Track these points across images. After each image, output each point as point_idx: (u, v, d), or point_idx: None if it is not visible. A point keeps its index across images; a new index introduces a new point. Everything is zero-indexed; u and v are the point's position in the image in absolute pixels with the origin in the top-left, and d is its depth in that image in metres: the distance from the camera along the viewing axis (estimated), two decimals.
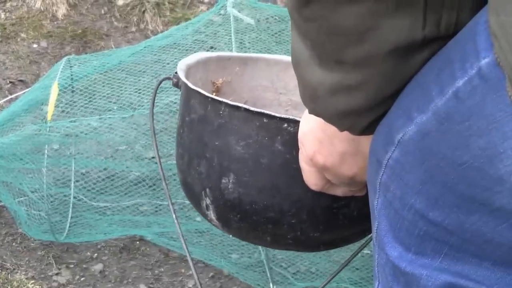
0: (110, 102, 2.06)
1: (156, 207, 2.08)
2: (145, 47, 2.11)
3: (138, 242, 1.99)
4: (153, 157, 2.10)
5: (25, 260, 1.89)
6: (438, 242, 0.66)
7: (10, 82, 2.34)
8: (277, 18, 2.21)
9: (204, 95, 0.85)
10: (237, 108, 0.81)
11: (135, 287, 1.85)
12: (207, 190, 0.87)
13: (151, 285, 1.86)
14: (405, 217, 0.65)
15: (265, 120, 0.80)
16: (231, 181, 0.84)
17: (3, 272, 1.79)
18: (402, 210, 0.64)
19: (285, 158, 0.78)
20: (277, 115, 0.79)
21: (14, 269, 1.79)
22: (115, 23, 2.66)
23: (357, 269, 1.95)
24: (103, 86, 2.06)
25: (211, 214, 0.88)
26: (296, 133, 0.74)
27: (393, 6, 0.47)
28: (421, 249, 0.67)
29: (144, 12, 2.64)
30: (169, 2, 2.70)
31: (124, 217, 2.07)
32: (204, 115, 0.88)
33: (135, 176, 2.11)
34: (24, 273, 1.79)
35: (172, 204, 1.20)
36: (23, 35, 2.57)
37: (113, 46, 2.56)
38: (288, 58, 0.84)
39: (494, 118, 0.48)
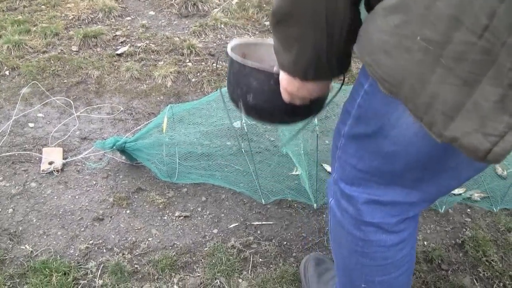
0: (189, 124, 3.49)
1: (218, 170, 3.27)
2: (206, 99, 3.25)
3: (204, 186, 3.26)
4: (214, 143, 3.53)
5: (158, 185, 3.15)
6: (360, 178, 1.35)
7: (148, 113, 3.61)
8: None
9: (237, 59, 1.51)
10: (251, 66, 1.45)
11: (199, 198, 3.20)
12: (240, 100, 1.54)
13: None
14: (346, 168, 1.38)
15: (264, 72, 1.43)
16: (251, 97, 1.51)
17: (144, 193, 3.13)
18: (345, 165, 1.37)
19: (274, 88, 1.37)
20: (269, 70, 1.42)
21: (151, 190, 3.12)
22: (192, 88, 3.98)
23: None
24: (189, 116, 3.32)
25: (243, 111, 1.57)
26: (278, 77, 1.31)
27: None
28: (353, 183, 1.37)
29: (203, 84, 3.94)
30: (213, 79, 4.01)
31: (203, 172, 3.14)
32: (238, 69, 1.51)
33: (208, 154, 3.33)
34: (155, 193, 3.16)
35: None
36: (153, 94, 3.94)
37: (191, 99, 3.73)
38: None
39: (381, 102, 1.11)
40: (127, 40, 4.65)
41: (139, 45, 4.53)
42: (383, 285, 1.47)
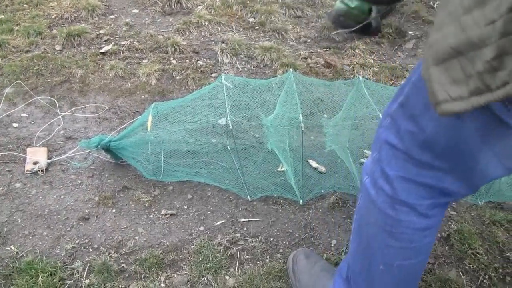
0: (174, 122, 3.39)
1: (203, 167, 3.23)
2: (191, 97, 3.15)
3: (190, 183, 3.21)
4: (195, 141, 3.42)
5: (144, 183, 3.16)
6: (399, 158, 1.44)
7: (132, 112, 3.60)
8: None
9: None
10: None
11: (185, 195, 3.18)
12: None
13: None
14: (386, 147, 1.50)
15: None
16: None
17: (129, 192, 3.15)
18: (386, 144, 1.47)
19: None
20: None
21: (136, 189, 3.06)
22: (176, 86, 3.98)
23: None
24: (174, 114, 3.26)
25: None
26: None
27: None
28: (392, 162, 1.45)
29: (187, 81, 3.92)
30: (197, 77, 4.01)
31: (188, 169, 3.13)
32: None
33: (192, 151, 3.30)
34: (141, 191, 3.08)
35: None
36: (138, 92, 3.93)
37: (176, 97, 3.74)
38: None
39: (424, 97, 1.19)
40: (111, 38, 4.65)
41: (123, 43, 4.52)
42: (400, 270, 1.54)
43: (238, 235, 2.86)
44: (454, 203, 3.26)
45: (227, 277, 2.63)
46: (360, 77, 3.13)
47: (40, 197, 3.01)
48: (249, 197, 3.06)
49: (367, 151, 3.42)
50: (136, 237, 2.82)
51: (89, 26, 4.77)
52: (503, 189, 3.31)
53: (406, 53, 4.92)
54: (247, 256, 2.76)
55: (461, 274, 2.78)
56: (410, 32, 5.17)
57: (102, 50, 4.42)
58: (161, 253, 2.73)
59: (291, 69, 3.23)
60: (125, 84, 4.11)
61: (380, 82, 4.29)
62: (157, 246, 2.78)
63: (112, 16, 5.04)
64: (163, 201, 3.02)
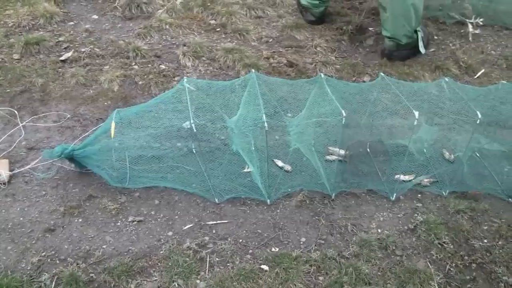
0: (138, 128, 3.27)
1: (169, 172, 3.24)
2: (154, 102, 3.20)
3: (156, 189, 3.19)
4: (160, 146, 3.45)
5: (110, 191, 3.12)
6: None
7: (95, 119, 3.61)
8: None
9: None
10: None
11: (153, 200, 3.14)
12: None
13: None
14: None
15: None
16: None
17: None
18: None
19: None
20: None
21: (102, 197, 3.08)
22: (139, 91, 4.00)
23: None
24: (138, 119, 3.21)
25: None
26: None
27: None
28: None
29: (150, 86, 4.00)
30: (160, 81, 4.06)
31: (154, 175, 3.16)
32: None
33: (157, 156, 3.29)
34: (107, 199, 3.05)
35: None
36: (101, 99, 3.91)
37: (139, 102, 3.74)
38: None
39: None
40: (71, 45, 4.61)
41: (83, 50, 4.48)
42: None
43: (207, 238, 2.86)
44: (419, 195, 3.30)
45: (198, 281, 2.63)
46: (322, 75, 3.16)
47: (3, 211, 2.96)
48: (216, 200, 3.06)
49: (332, 148, 3.44)
50: (104, 246, 2.80)
51: (47, 34, 4.71)
52: (466, 179, 3.38)
53: (367, 49, 4.98)
54: (217, 259, 2.77)
55: (429, 264, 2.83)
56: (370, 29, 5.22)
57: (62, 58, 4.37)
58: (130, 261, 2.72)
59: (253, 70, 3.24)
60: (87, 91, 4.06)
61: (342, 79, 4.33)
62: (125, 253, 2.76)
63: (71, 23, 4.99)
64: (130, 208, 3.01)
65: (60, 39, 4.65)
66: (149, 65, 4.35)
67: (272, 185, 3.13)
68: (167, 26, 4.92)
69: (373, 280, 2.70)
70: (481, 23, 5.37)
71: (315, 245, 2.88)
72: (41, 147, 3.45)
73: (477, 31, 5.30)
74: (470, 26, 5.28)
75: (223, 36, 4.89)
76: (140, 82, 4.16)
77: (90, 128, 3.61)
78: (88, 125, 3.65)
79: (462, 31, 5.41)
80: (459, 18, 5.53)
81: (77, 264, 2.67)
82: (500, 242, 3.01)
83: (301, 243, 2.89)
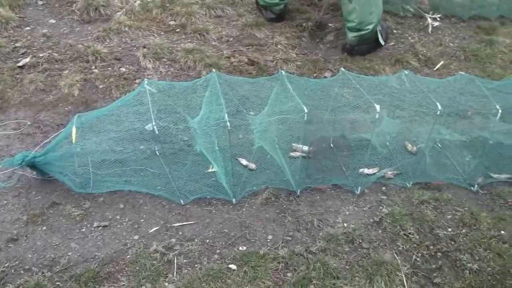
0: (100, 132, 3.23)
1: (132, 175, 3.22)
2: (115, 105, 3.16)
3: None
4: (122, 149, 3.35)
5: (73, 197, 3.07)
6: None
7: (56, 125, 3.57)
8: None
9: None
10: None
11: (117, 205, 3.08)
12: None
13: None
14: None
15: None
16: None
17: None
18: None
19: None
20: None
21: (66, 203, 3.02)
22: (100, 95, 3.95)
23: None
24: (99, 123, 3.18)
25: None
26: None
27: None
28: None
29: (111, 89, 3.97)
30: (121, 84, 4.04)
31: (118, 179, 3.13)
32: None
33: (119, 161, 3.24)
34: (71, 205, 3.02)
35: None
36: (61, 105, 3.84)
37: (100, 106, 3.73)
38: None
39: None
40: (29, 51, 4.53)
41: (41, 55, 4.42)
42: None
43: (173, 240, 2.85)
44: (384, 188, 3.34)
45: (166, 284, 2.62)
46: (283, 72, 3.17)
47: None
48: (181, 201, 3.05)
49: (296, 144, 3.46)
50: (70, 253, 2.76)
51: (3, 40, 4.63)
52: (428, 170, 3.43)
53: (328, 45, 5.01)
54: (185, 260, 2.76)
55: (396, 255, 2.87)
56: (330, 25, 5.26)
57: (20, 64, 4.30)
58: (96, 267, 2.69)
59: (214, 69, 3.24)
60: (47, 97, 3.99)
61: (303, 75, 4.36)
62: (92, 260, 2.73)
63: (28, 28, 4.91)
64: (95, 213, 2.97)
65: (17, 44, 4.57)
66: (109, 68, 4.31)
67: (237, 184, 3.13)
68: (126, 28, 4.88)
69: (341, 274, 2.72)
70: (438, 18, 5.46)
71: (282, 242, 2.88)
72: (1, 156, 3.38)
73: (436, 24, 5.37)
74: (429, 19, 5.36)
75: (183, 36, 4.86)
76: (101, 86, 4.10)
77: (51, 134, 3.55)
78: (49, 131, 3.59)
79: (420, 23, 5.48)
80: (414, 11, 5.60)
81: (42, 273, 2.63)
82: (464, 230, 3.06)
83: (268, 240, 2.89)
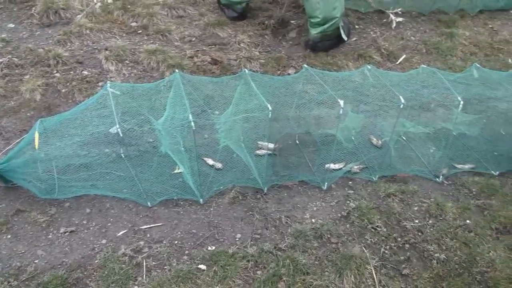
0: (64, 136, 3.21)
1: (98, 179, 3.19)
2: (78, 109, 3.12)
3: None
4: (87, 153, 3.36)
5: (39, 204, 3.02)
6: None
7: (19, 131, 3.52)
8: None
9: None
10: None
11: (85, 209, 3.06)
12: None
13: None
14: None
15: None
16: None
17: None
18: None
19: None
20: None
21: (31, 210, 2.96)
22: (63, 99, 3.92)
23: None
24: (63, 128, 3.14)
25: None
26: None
27: None
28: None
29: (74, 93, 3.93)
30: (83, 88, 4.00)
31: (84, 183, 3.12)
32: None
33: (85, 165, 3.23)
34: (36, 212, 2.97)
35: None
36: (23, 110, 3.78)
37: (63, 110, 3.68)
38: None
39: None
40: None
41: (1, 60, 4.36)
42: None
43: (142, 242, 2.83)
44: (350, 182, 3.37)
45: (136, 287, 2.61)
46: (246, 70, 3.17)
47: None
48: (149, 203, 3.04)
49: (261, 142, 3.47)
50: (36, 261, 2.73)
51: None
52: (394, 163, 3.47)
53: (290, 42, 5.04)
54: (154, 263, 2.74)
55: (364, 249, 2.90)
56: (292, 22, 5.29)
57: None
58: (64, 273, 2.66)
59: (177, 70, 3.22)
60: (8, 103, 3.92)
61: (267, 73, 4.37)
62: (59, 266, 2.70)
63: None
64: (61, 219, 2.95)
65: None
66: (71, 72, 4.26)
67: (203, 184, 3.12)
68: (88, 31, 4.83)
69: (311, 270, 2.74)
70: (400, 12, 5.52)
71: (251, 240, 2.89)
72: None
73: (400, 19, 5.43)
74: (391, 15, 5.41)
75: (145, 37, 4.84)
76: (63, 90, 4.04)
77: (14, 141, 3.51)
78: (11, 137, 3.53)
79: (384, 20, 5.54)
80: (375, 6, 5.66)
81: (8, 282, 2.59)
82: (430, 221, 3.11)
83: (237, 239, 2.89)
